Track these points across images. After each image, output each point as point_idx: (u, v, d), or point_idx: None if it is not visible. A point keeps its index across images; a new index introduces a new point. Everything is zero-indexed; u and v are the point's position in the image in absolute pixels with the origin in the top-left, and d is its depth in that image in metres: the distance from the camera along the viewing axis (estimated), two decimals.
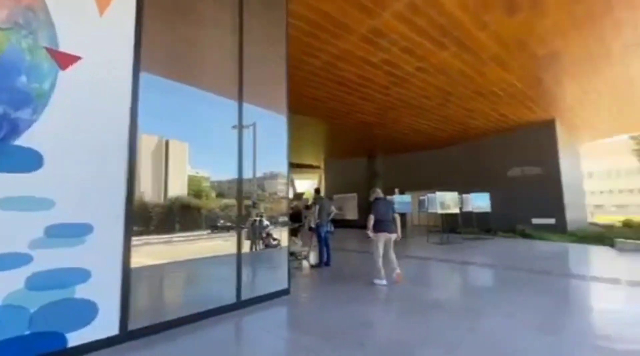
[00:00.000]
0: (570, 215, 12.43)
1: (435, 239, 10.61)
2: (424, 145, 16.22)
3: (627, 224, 15.69)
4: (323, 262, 6.22)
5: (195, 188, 3.94)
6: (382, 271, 4.86)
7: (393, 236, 5.00)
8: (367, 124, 12.26)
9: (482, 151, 14.72)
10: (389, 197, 13.12)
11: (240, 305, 3.77)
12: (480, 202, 11.49)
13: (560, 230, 11.84)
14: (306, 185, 35.86)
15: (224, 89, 4.09)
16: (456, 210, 10.63)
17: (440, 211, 10.18)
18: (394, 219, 5.03)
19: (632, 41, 7.21)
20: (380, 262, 4.89)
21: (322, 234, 6.24)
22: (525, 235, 11.73)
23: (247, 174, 4.22)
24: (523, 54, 7.27)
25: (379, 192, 5.30)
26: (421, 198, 11.77)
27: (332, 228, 6.40)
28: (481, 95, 9.62)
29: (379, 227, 4.92)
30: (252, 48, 4.34)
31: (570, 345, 2.82)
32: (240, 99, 4.12)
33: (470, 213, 11.58)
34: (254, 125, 4.60)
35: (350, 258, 7.95)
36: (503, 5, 5.60)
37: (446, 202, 10.35)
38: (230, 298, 3.72)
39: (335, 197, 22.19)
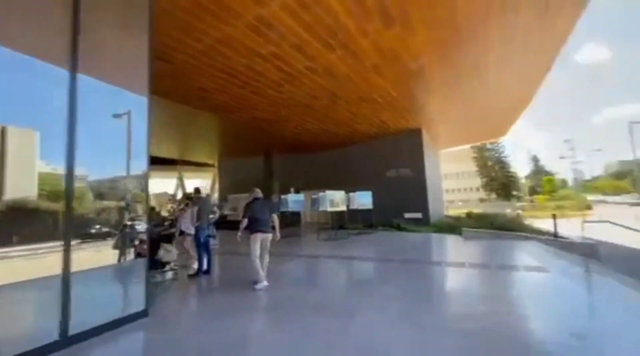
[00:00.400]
0: (432, 209, 14.76)
1: (325, 236, 10.99)
2: (317, 146, 16.79)
3: (469, 215, 19.69)
4: (202, 271, 5.51)
5: (50, 188, 3.05)
6: (261, 272, 4.73)
7: (269, 236, 4.90)
8: (261, 121, 11.84)
9: (367, 153, 16.15)
10: (283, 196, 13.11)
11: (66, 342, 2.85)
12: (364, 199, 12.48)
13: (425, 222, 13.91)
14: (200, 185, 33.03)
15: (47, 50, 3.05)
16: (343, 208, 11.25)
17: (330, 209, 10.58)
18: (272, 220, 4.96)
19: (476, 67, 8.91)
20: (257, 263, 4.74)
21: (202, 239, 5.52)
22: (399, 228, 13.34)
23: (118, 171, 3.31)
24: (398, 66, 8.10)
25: (257, 192, 5.16)
26: (314, 197, 12.06)
27: (214, 232, 5.75)
28: (364, 100, 10.41)
29: (255, 227, 4.77)
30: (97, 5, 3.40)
31: (431, 330, 3.06)
32: (74, 68, 3.15)
33: (355, 211, 12.46)
34: (129, 113, 3.72)
35: (237, 262, 7.40)
36: (380, 17, 6.04)
37: (335, 200, 10.84)
38: (48, 335, 2.77)
39: (230, 197, 21.00)
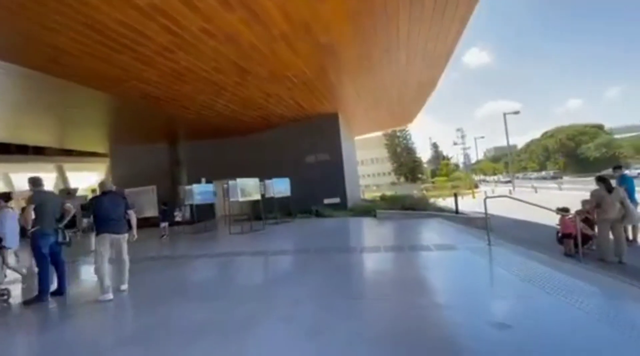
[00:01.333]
0: (350, 194, 14.91)
1: (238, 229, 9.94)
2: (230, 131, 15.28)
3: (383, 198, 20.81)
4: (45, 293, 4.00)
5: None
6: (107, 281, 3.99)
7: (123, 237, 4.25)
8: (157, 99, 9.91)
9: (284, 138, 15.36)
10: (187, 187, 11.41)
11: None
12: (280, 186, 11.75)
13: (343, 207, 13.94)
14: (91, 179, 27.48)
15: None
16: (257, 197, 10.31)
17: (241, 199, 9.52)
18: (127, 216, 4.32)
19: (387, 46, 8.81)
20: (104, 269, 3.99)
21: (44, 248, 3.99)
22: (318, 214, 13.05)
23: None
24: (308, 38, 7.42)
25: (107, 185, 4.39)
26: (225, 186, 10.80)
27: (67, 238, 4.25)
28: (277, 78, 9.53)
29: (103, 227, 4.08)
30: None
31: (343, 343, 2.47)
32: None
33: (272, 199, 11.65)
34: None
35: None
36: None
37: (247, 189, 9.81)
38: None
39: (127, 191, 17.83)
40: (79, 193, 18.35)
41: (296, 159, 14.97)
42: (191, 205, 11.52)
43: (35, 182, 4.13)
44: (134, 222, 4.43)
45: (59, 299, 4.16)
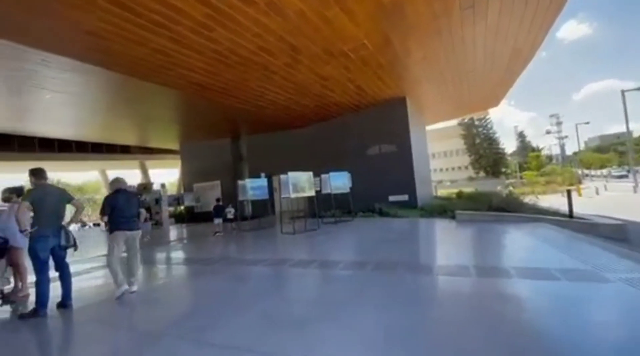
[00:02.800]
0: (420, 191, 12.88)
1: (291, 228, 8.93)
2: (287, 123, 14.53)
3: (460, 196, 18.01)
4: (43, 306, 3.35)
5: None
6: (120, 275, 3.97)
7: (137, 233, 4.29)
8: (202, 89, 9.45)
9: (345, 129, 14.00)
10: (240, 182, 10.85)
11: None
12: (338, 181, 10.44)
13: (412, 205, 12.03)
14: (164, 175, 29.72)
15: None
16: (311, 193, 9.16)
17: (292, 195, 8.48)
18: (139, 214, 4.29)
19: (469, 4, 6.75)
20: (117, 265, 3.97)
21: (41, 253, 3.35)
22: (382, 214, 11.42)
23: None
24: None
25: (121, 183, 4.32)
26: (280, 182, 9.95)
27: (71, 240, 3.57)
28: (332, 56, 8.18)
29: (117, 225, 4.06)
30: None
31: None
32: None
33: (329, 196, 10.42)
34: None
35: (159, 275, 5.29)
36: None
37: (300, 184, 8.72)
38: None
39: (195, 186, 18.64)
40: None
41: (357, 152, 13.50)
42: (245, 202, 10.98)
43: (36, 174, 3.52)
44: (142, 219, 4.48)
45: (63, 313, 3.51)
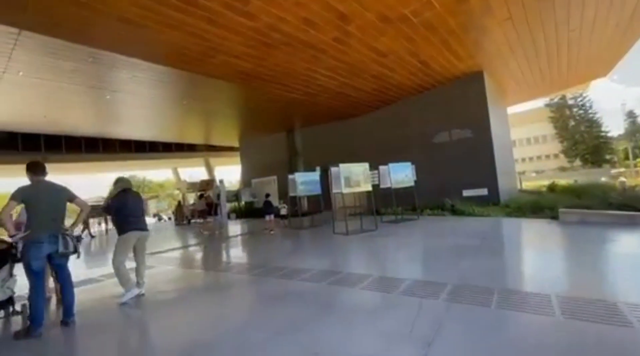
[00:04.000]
0: (502, 183, 10.67)
1: (345, 227, 7.84)
2: (343, 112, 13.38)
3: (552, 189, 14.83)
4: (37, 324, 2.83)
5: None
6: (132, 279, 3.80)
7: (148, 234, 4.09)
8: (249, 78, 8.86)
9: (406, 114, 12.33)
10: (290, 176, 10.03)
11: None
12: (400, 174, 8.99)
13: (492, 201, 9.98)
14: (232, 172, 30.87)
15: None
16: (367, 187, 7.90)
17: (345, 190, 7.36)
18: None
19: None
20: (125, 268, 3.77)
21: (34, 262, 2.84)
22: (455, 211, 9.64)
23: None
24: None
25: (126, 182, 4.12)
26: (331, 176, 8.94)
27: (69, 247, 3.00)
28: (389, 22, 6.78)
29: (129, 225, 3.86)
30: None
31: None
32: None
33: (390, 190, 9.05)
34: None
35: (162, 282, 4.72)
36: None
37: (353, 177, 7.55)
38: None
39: (253, 181, 18.76)
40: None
41: (422, 140, 11.77)
42: (299, 197, 10.22)
43: (31, 168, 3.03)
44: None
45: (63, 333, 2.99)
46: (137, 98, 10.14)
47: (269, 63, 8.09)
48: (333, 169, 7.65)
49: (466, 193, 10.60)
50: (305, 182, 9.50)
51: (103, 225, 16.45)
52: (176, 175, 23.96)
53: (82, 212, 3.24)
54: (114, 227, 4.04)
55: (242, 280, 4.42)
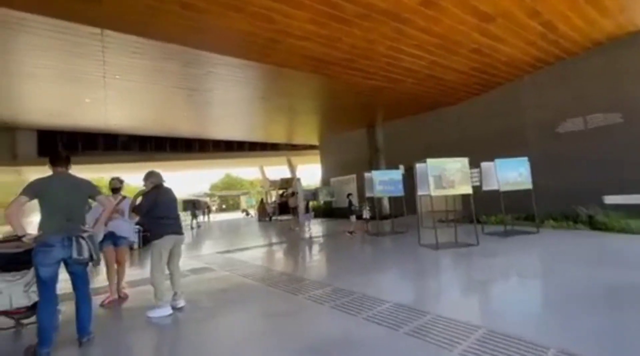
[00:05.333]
0: None
1: (433, 237, 6.26)
2: (434, 101, 11.50)
3: None
4: (46, 343, 2.34)
5: None
6: (167, 293, 3.32)
7: (183, 238, 3.62)
8: (322, 64, 7.98)
9: (514, 99, 9.81)
10: (367, 174, 8.73)
11: None
12: (511, 172, 6.91)
13: None
14: (308, 172, 30.50)
15: None
16: (466, 190, 6.13)
17: (434, 192, 5.81)
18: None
19: None
20: (162, 278, 3.29)
21: (42, 268, 2.36)
22: (594, 224, 7.02)
23: None
24: None
25: (159, 177, 3.53)
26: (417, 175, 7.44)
27: (83, 253, 2.48)
28: None
29: (165, 228, 3.36)
30: None
31: None
32: None
33: (496, 193, 7.04)
34: None
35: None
36: None
37: (447, 176, 5.91)
38: None
39: (332, 180, 18.13)
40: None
41: (538, 130, 9.16)
42: (378, 198, 8.97)
43: (51, 158, 2.61)
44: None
45: (75, 353, 2.50)
46: (216, 96, 10.35)
47: (344, 44, 7.05)
48: (419, 166, 6.18)
49: (610, 200, 7.70)
50: (384, 181, 8.18)
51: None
52: (262, 173, 25.07)
53: (105, 212, 2.75)
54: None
55: (291, 304, 3.49)
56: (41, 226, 2.47)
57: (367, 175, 8.59)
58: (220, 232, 14.39)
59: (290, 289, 4.00)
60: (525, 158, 7.23)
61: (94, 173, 19.12)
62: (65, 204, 2.52)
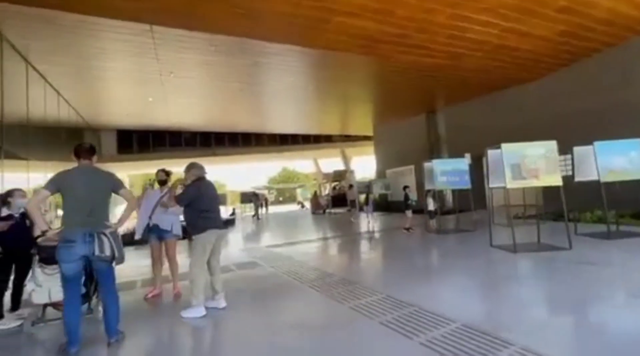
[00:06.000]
0: None
1: (507, 237, 5.21)
2: (504, 78, 9.97)
3: None
4: (73, 343, 2.24)
5: None
6: (204, 293, 3.09)
7: (225, 232, 3.70)
8: (375, 44, 7.26)
9: (620, 67, 7.89)
10: (427, 164, 7.72)
11: None
12: (619, 159, 5.45)
13: None
14: (362, 164, 29.44)
15: None
16: (554, 181, 4.93)
17: (510, 184, 4.77)
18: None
19: None
20: (204, 277, 3.12)
21: (65, 265, 2.25)
22: None
23: None
24: None
25: (202, 169, 3.36)
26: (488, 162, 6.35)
27: (105, 250, 2.29)
28: None
29: (207, 222, 3.17)
30: None
31: None
32: None
33: (596, 184, 5.65)
34: None
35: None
36: None
37: (528, 164, 4.81)
38: None
39: (388, 171, 17.13)
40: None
41: None
42: (442, 191, 8.01)
43: (75, 149, 2.48)
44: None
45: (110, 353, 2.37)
46: (266, 88, 10.25)
47: (398, 17, 6.24)
48: (491, 152, 5.16)
49: None
50: (447, 171, 7.19)
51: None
52: (316, 165, 25.01)
53: (128, 207, 2.56)
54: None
55: (333, 315, 3.01)
56: (63, 221, 2.36)
57: (426, 164, 7.67)
58: (276, 224, 14.58)
59: (336, 295, 3.53)
60: (638, 140, 5.65)
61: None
62: (86, 198, 2.38)
